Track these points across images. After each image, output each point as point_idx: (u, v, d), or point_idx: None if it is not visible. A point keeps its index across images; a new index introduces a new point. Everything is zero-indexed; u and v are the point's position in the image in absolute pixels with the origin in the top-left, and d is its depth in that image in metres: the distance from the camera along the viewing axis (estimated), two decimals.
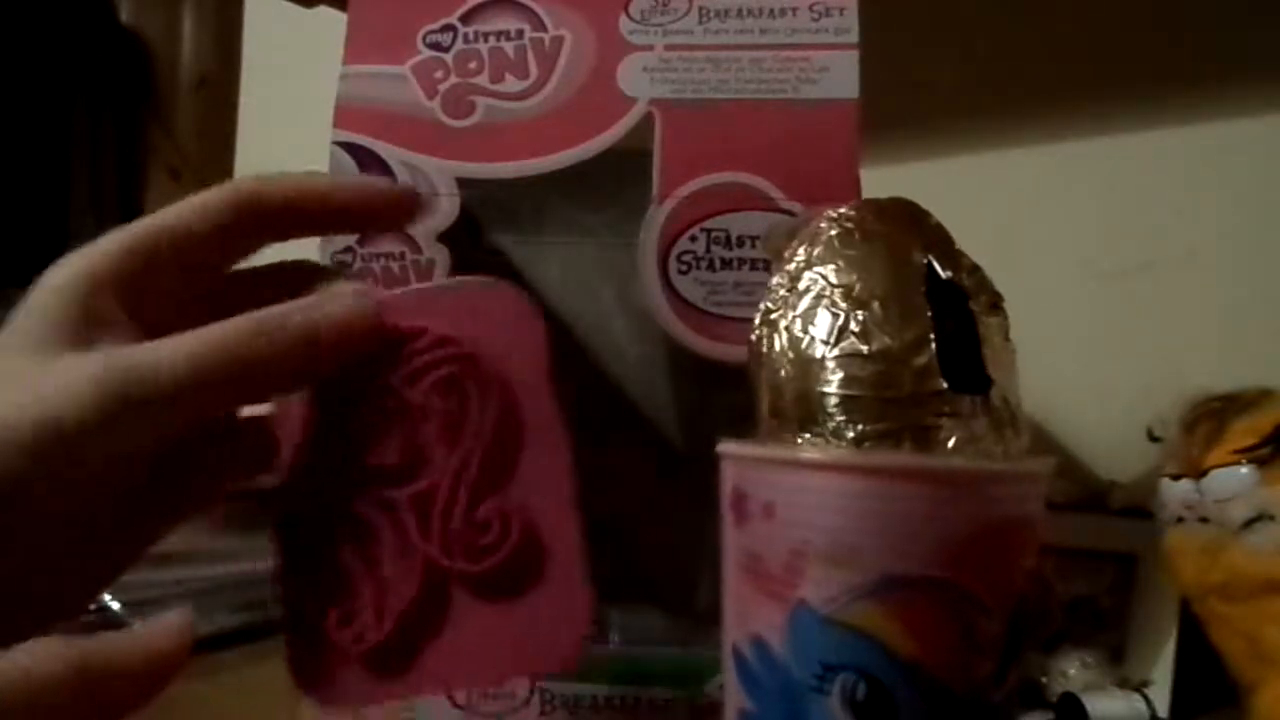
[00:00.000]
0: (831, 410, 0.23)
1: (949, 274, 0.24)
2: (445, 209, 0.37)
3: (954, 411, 0.23)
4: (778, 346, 0.25)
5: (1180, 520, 0.41)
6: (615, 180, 0.36)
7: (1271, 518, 0.37)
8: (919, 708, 0.22)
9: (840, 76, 0.36)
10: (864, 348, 0.23)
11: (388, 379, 0.26)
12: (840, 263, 0.24)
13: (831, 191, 0.35)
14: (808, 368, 0.24)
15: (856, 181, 0.35)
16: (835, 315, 0.24)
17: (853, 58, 0.36)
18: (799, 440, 0.24)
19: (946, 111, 0.66)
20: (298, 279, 0.28)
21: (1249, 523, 0.38)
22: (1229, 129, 0.57)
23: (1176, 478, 0.41)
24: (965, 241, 0.25)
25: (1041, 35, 0.63)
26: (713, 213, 0.35)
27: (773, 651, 0.23)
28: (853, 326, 0.23)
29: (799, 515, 0.23)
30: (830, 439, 0.23)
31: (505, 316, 0.26)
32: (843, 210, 0.25)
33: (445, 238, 0.37)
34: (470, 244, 0.37)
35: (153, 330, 0.25)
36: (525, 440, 0.26)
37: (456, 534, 0.25)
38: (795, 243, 0.26)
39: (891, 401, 0.23)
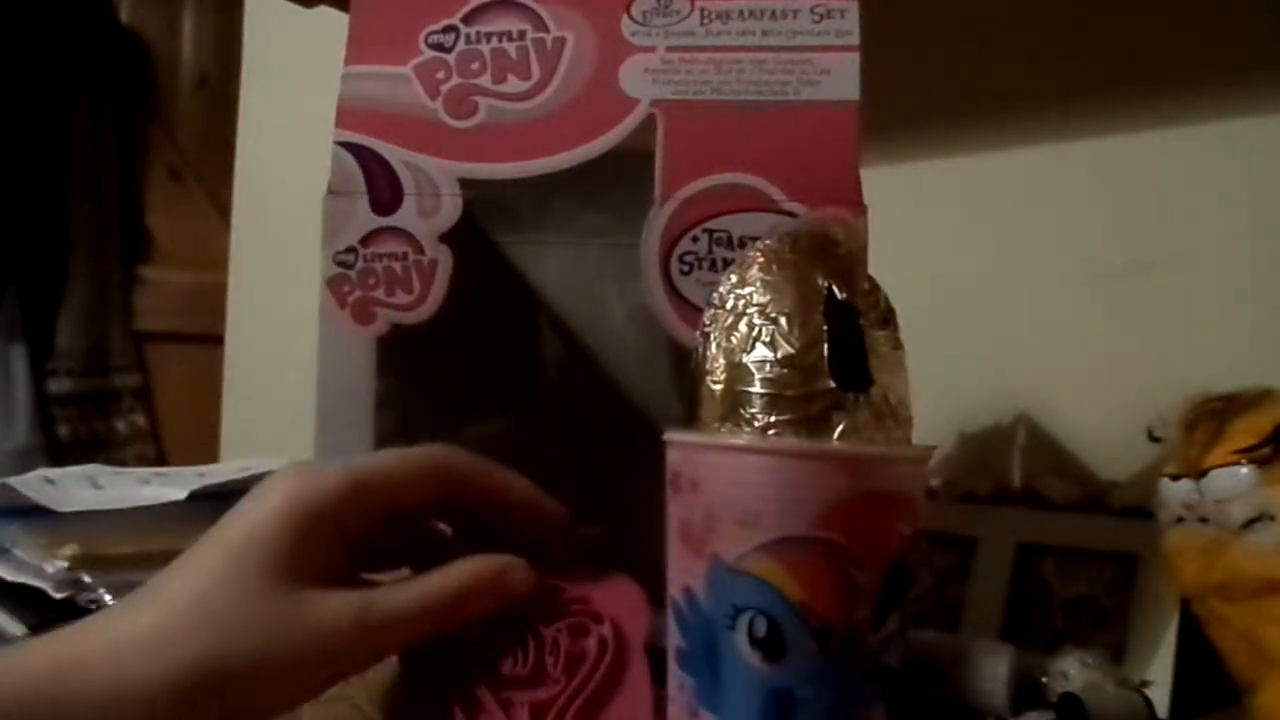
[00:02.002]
0: (748, 405, 0.28)
1: (844, 295, 0.29)
2: (448, 209, 0.37)
3: (841, 405, 0.28)
4: (710, 353, 0.30)
5: (1180, 520, 0.41)
6: (617, 181, 0.36)
7: (1271, 518, 0.37)
8: (806, 641, 0.27)
9: (841, 78, 0.36)
10: (773, 355, 0.28)
11: (529, 614, 0.32)
12: (759, 286, 0.29)
13: (833, 192, 0.35)
14: (731, 371, 0.29)
15: (857, 182, 0.35)
16: (752, 329, 0.29)
17: (854, 60, 0.36)
18: (720, 429, 0.29)
19: (946, 111, 0.66)
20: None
21: (1249, 523, 0.38)
22: (1228, 129, 0.57)
23: (1176, 478, 0.41)
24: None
25: (1041, 35, 0.63)
26: (714, 214, 0.35)
27: (697, 597, 0.28)
28: (765, 337, 0.29)
29: (716, 487, 0.28)
30: (743, 428, 0.28)
31: (627, 599, 0.32)
32: (768, 242, 0.30)
33: (448, 238, 0.37)
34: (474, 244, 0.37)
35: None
36: (622, 684, 0.32)
37: None
38: (729, 269, 0.31)
39: (793, 398, 0.28)
